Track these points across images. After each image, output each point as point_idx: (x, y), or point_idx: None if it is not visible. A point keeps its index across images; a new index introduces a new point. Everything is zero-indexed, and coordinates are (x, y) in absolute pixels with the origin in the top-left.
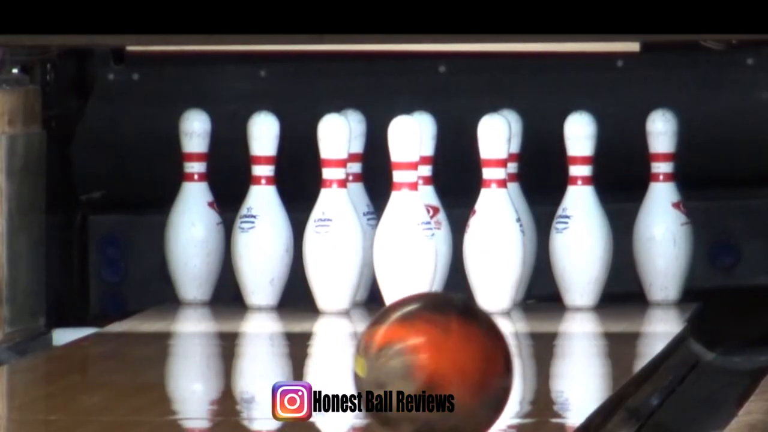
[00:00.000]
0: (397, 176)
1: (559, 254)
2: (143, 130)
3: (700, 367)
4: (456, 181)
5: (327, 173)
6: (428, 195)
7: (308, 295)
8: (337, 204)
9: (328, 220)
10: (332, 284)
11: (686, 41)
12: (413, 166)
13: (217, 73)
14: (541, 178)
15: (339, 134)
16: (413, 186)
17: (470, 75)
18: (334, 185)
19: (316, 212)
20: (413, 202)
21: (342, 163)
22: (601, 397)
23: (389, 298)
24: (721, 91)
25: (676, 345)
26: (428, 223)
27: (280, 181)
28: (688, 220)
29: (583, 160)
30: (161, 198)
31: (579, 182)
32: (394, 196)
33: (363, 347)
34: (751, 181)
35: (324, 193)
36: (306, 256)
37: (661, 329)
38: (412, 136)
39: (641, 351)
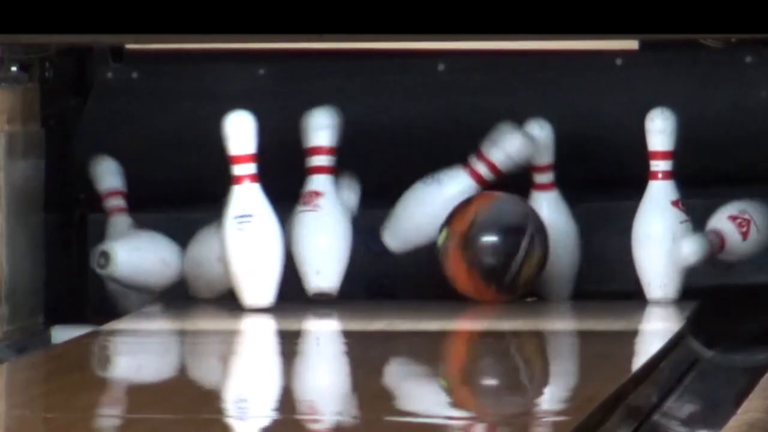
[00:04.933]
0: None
1: None
2: (142, 128)
3: (699, 365)
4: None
5: (237, 169)
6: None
7: (303, 294)
8: (254, 199)
9: (249, 215)
10: (258, 278)
11: (685, 40)
12: (250, 159)
13: (216, 71)
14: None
15: (245, 131)
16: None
17: (469, 74)
18: (246, 181)
19: (235, 209)
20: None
21: (251, 159)
22: (599, 396)
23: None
24: (720, 89)
25: (675, 343)
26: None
27: (267, 179)
28: (687, 218)
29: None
30: (160, 196)
31: (541, 188)
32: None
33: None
34: (750, 180)
35: (237, 189)
36: (228, 253)
37: (660, 327)
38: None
39: (640, 349)
